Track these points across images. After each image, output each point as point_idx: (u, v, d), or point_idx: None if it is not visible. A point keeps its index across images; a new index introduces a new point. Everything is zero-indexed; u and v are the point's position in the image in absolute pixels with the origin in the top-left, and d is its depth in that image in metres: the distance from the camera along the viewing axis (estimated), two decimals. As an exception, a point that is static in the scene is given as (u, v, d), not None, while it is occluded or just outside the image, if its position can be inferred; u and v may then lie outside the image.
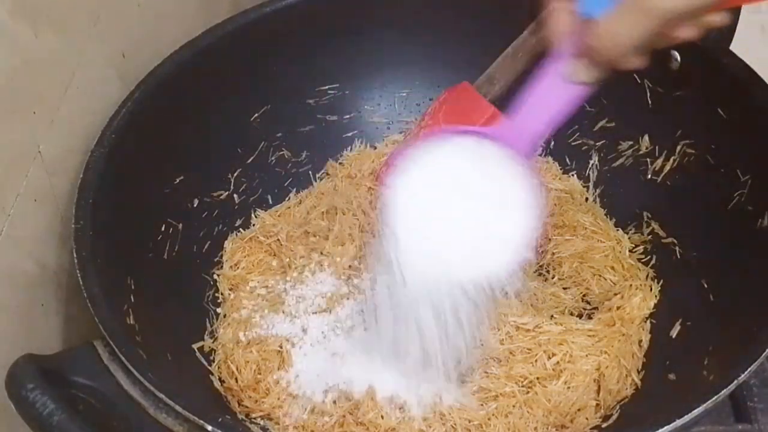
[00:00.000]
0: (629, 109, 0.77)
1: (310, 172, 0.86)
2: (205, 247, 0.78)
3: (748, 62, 0.68)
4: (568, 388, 0.66)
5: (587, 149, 0.82)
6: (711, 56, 0.69)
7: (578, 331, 0.69)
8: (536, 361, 0.68)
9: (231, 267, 0.77)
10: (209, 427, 0.51)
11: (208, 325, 0.74)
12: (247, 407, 0.67)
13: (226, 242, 0.79)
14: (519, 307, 0.71)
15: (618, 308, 0.71)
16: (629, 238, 0.77)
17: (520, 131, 0.59)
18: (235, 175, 0.81)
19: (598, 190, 0.81)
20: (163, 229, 0.72)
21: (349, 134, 0.87)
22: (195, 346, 0.70)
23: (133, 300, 0.63)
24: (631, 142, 0.78)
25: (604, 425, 0.65)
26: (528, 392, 0.66)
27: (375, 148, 0.87)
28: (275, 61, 0.80)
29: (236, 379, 0.68)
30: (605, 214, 0.80)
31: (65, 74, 0.63)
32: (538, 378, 0.67)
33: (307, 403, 0.67)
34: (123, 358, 0.55)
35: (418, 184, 0.60)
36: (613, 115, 0.79)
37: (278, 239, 0.78)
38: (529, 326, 0.70)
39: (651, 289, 0.73)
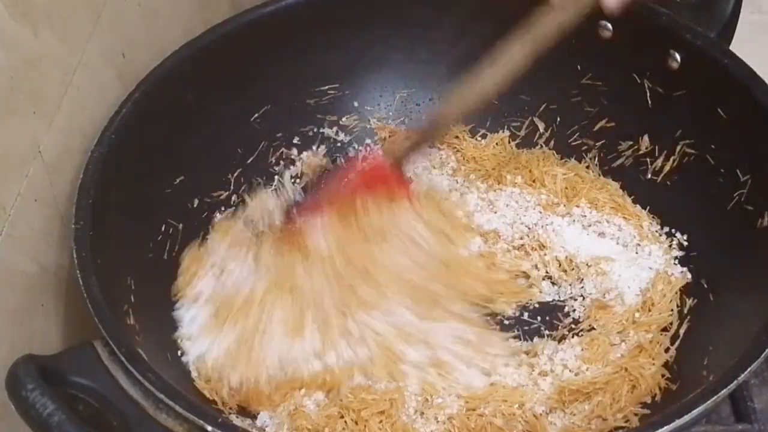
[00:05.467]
0: (629, 109, 0.77)
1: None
2: (205, 247, 0.78)
3: (748, 62, 0.68)
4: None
5: (587, 149, 0.82)
6: (711, 56, 0.69)
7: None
8: None
9: None
10: (209, 428, 0.51)
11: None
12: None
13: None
14: None
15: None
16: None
17: None
18: (235, 175, 0.81)
19: (597, 190, 0.81)
20: (163, 229, 0.72)
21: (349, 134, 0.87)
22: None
23: (133, 300, 0.63)
24: (631, 142, 0.78)
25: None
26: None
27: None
28: (275, 61, 0.80)
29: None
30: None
31: (65, 74, 0.63)
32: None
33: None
34: (123, 358, 0.55)
35: None
36: (613, 115, 0.79)
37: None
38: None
39: (651, 289, 0.73)
